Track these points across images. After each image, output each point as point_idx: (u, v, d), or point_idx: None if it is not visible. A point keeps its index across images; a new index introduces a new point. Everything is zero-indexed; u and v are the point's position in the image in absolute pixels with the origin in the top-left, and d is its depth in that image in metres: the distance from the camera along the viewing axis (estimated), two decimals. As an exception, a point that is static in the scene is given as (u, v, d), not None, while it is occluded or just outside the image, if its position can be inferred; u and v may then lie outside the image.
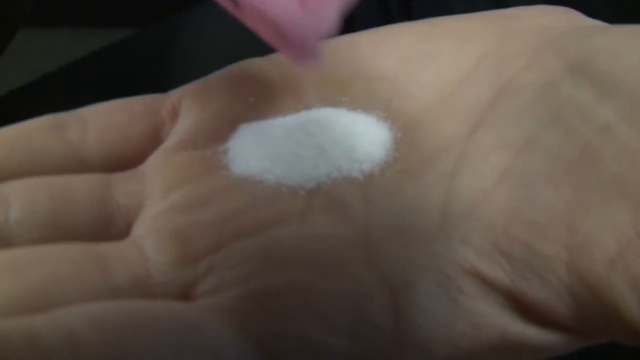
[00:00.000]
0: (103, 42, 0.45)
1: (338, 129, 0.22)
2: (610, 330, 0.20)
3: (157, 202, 0.22)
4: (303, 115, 0.23)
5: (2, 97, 0.42)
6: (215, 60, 0.26)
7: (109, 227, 0.22)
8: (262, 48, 0.25)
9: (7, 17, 0.40)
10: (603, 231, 0.19)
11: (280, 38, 0.21)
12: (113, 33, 0.49)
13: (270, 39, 0.21)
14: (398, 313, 0.20)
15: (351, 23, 0.27)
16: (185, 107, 0.24)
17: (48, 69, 0.44)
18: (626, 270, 0.19)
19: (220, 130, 0.23)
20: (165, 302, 0.20)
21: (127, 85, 0.40)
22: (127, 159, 0.23)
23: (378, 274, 0.20)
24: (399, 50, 0.24)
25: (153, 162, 0.23)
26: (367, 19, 0.34)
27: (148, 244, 0.21)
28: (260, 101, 0.24)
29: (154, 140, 0.24)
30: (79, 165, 0.23)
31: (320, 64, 0.21)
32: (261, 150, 0.22)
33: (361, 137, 0.22)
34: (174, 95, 0.24)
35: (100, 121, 0.23)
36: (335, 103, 0.24)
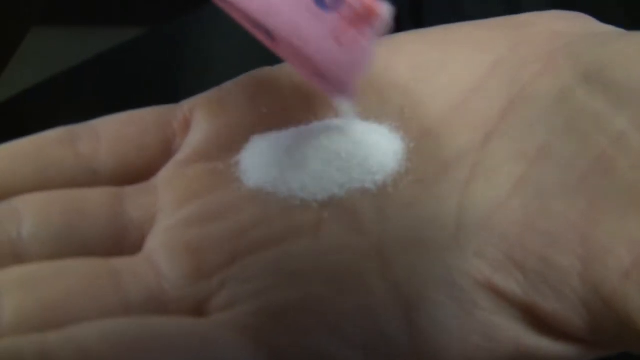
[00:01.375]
0: (106, 41, 0.45)
1: (350, 140, 0.23)
2: (624, 341, 0.20)
3: (169, 215, 0.22)
4: (315, 126, 0.23)
5: (8, 100, 0.43)
6: (226, 61, 0.26)
7: (123, 241, 0.22)
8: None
9: (19, 18, 0.40)
10: (617, 242, 0.20)
11: (316, 74, 0.21)
12: (116, 32, 0.49)
13: (306, 73, 0.22)
14: (412, 326, 0.20)
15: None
16: (196, 118, 0.24)
17: (50, 68, 0.45)
18: None
19: (232, 142, 0.24)
20: (178, 319, 0.20)
21: (137, 86, 0.40)
22: (139, 172, 0.23)
23: (392, 286, 0.20)
24: (411, 58, 0.25)
25: (165, 175, 0.23)
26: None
27: (161, 258, 0.21)
28: (273, 112, 0.24)
29: (166, 152, 0.24)
30: (91, 178, 0.23)
31: (356, 98, 0.21)
32: (273, 162, 0.23)
33: (374, 147, 0.23)
34: (185, 106, 0.25)
35: (112, 133, 0.24)
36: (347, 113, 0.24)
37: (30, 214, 0.22)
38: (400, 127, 0.23)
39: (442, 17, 0.27)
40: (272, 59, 0.26)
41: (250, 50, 0.28)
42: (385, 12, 0.20)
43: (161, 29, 0.45)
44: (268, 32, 0.21)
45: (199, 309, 0.20)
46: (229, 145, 0.23)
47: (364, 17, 0.20)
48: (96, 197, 0.22)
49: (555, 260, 0.20)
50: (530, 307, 0.20)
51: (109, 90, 0.42)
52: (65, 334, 0.19)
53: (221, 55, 0.40)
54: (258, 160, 0.23)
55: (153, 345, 0.19)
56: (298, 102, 0.24)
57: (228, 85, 0.25)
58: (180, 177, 0.23)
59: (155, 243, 0.22)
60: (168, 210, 0.22)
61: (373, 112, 0.24)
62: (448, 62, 0.24)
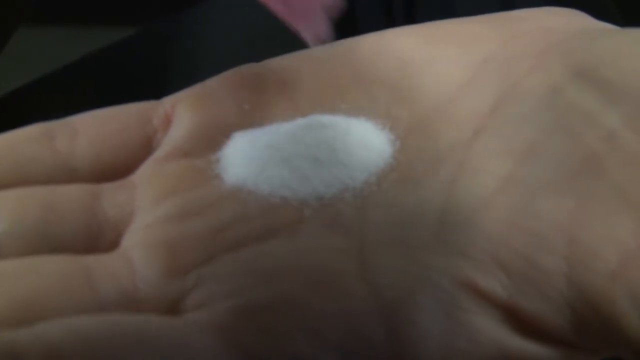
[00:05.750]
0: (101, 41, 0.46)
1: (334, 137, 0.23)
2: (610, 345, 0.20)
3: (146, 213, 0.23)
4: (298, 123, 0.24)
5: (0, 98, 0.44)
6: (216, 60, 0.27)
7: (98, 238, 0.22)
8: (262, 47, 0.26)
9: (5, 16, 0.41)
10: (605, 243, 0.20)
11: (284, 4, 0.22)
12: (110, 32, 0.50)
13: (275, 6, 0.22)
14: (392, 329, 0.20)
15: (354, 26, 0.29)
16: (178, 114, 0.25)
17: (43, 68, 0.45)
18: (628, 283, 0.20)
19: (213, 139, 0.24)
20: (150, 316, 0.20)
21: (127, 84, 0.41)
22: (118, 169, 0.24)
23: (372, 288, 0.21)
24: (400, 54, 0.25)
25: (144, 172, 0.24)
26: (370, 22, 0.35)
27: (136, 256, 0.22)
28: (255, 108, 0.25)
29: (145, 149, 0.24)
30: (68, 175, 0.24)
31: (325, 32, 0.21)
32: (254, 159, 0.23)
33: (358, 145, 0.23)
34: (167, 102, 0.25)
35: (91, 130, 0.24)
36: (332, 109, 0.24)
37: (5, 210, 0.22)
38: (387, 124, 0.24)
39: (435, 13, 0.28)
40: (262, 59, 0.27)
41: (240, 49, 0.29)
42: None
43: (151, 28, 0.45)
44: None
45: (173, 308, 0.21)
46: (209, 141, 0.24)
47: None
48: (72, 194, 0.23)
49: (540, 261, 0.20)
50: (514, 309, 0.21)
51: (98, 90, 0.43)
52: (35, 330, 0.19)
53: (211, 54, 0.41)
54: (239, 157, 0.23)
55: (123, 343, 0.19)
56: (282, 98, 0.25)
57: (211, 81, 0.26)
58: (158, 174, 0.24)
59: (132, 240, 0.22)
60: (145, 207, 0.23)
61: (359, 109, 0.24)
62: (437, 59, 0.25)
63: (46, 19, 0.73)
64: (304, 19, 0.22)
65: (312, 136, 0.23)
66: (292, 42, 0.26)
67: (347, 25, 0.23)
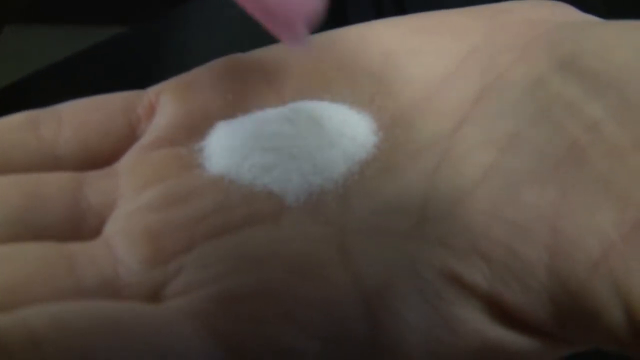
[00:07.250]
0: (94, 41, 0.47)
1: (317, 127, 0.23)
2: (592, 335, 0.20)
3: (129, 200, 0.23)
4: (281, 113, 0.24)
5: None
6: (208, 58, 0.27)
7: (81, 226, 0.23)
8: (254, 45, 0.26)
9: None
10: (587, 233, 0.20)
11: (269, 18, 0.22)
12: (111, 32, 0.51)
13: (260, 18, 0.23)
14: (372, 317, 0.20)
15: (343, 17, 0.29)
16: (162, 103, 0.25)
17: (35, 67, 0.46)
18: (609, 274, 0.20)
19: (196, 128, 0.24)
20: (131, 303, 0.20)
21: (117, 82, 0.41)
22: (102, 157, 0.24)
23: (353, 276, 0.21)
24: (385, 45, 0.25)
25: (127, 160, 0.24)
26: (359, 13, 0.35)
27: (118, 243, 0.22)
28: (240, 98, 0.25)
29: (130, 137, 0.25)
30: (53, 162, 0.24)
31: (309, 45, 0.22)
32: (237, 148, 0.23)
33: (341, 134, 0.23)
34: (151, 91, 0.25)
35: (76, 118, 0.24)
36: (317, 99, 0.25)
37: None
38: (370, 115, 0.24)
39: (424, 4, 0.28)
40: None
41: (231, 47, 0.29)
42: None
43: (143, 27, 0.46)
44: None
45: (155, 295, 0.21)
46: (193, 130, 0.24)
47: None
48: (55, 182, 0.23)
49: (521, 252, 0.20)
50: (495, 300, 0.21)
51: (87, 87, 0.43)
52: (17, 315, 0.19)
53: (202, 51, 0.41)
54: (222, 146, 0.24)
55: (104, 329, 0.19)
56: (266, 88, 0.25)
57: (195, 71, 0.26)
58: (142, 163, 0.24)
59: (114, 228, 0.22)
60: (128, 195, 0.23)
61: (344, 99, 0.25)
62: (422, 50, 0.25)
63: (46, 19, 0.73)
64: (286, 30, 0.23)
65: (295, 125, 0.24)
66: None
67: (337, 17, 0.23)
